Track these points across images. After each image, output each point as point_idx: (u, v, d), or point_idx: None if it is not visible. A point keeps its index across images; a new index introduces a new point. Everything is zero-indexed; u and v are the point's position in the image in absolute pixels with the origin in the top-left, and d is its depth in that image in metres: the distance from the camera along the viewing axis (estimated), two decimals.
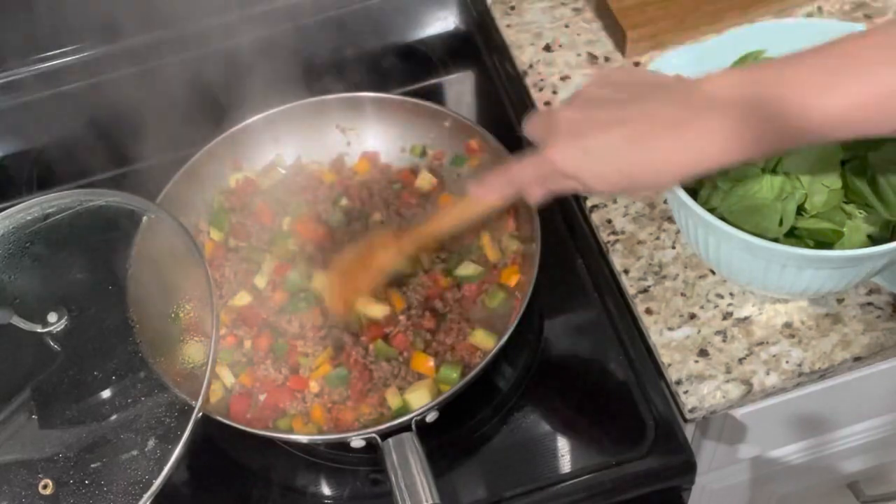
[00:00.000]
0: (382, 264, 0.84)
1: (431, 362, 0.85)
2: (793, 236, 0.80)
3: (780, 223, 0.79)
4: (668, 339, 0.88)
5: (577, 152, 0.68)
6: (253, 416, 0.85)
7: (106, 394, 0.79)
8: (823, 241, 0.80)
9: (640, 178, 0.67)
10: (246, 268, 0.93)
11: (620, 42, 1.08)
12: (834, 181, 0.81)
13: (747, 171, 0.81)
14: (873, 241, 0.79)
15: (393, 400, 0.84)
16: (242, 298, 0.91)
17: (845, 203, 0.81)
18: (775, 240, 0.77)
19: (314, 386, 0.85)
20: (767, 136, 0.63)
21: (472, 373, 0.81)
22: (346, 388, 0.85)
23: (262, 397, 0.86)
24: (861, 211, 0.80)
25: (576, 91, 0.72)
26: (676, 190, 0.78)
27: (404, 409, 0.83)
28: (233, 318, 0.90)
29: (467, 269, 0.91)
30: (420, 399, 0.82)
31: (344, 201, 0.98)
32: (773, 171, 0.81)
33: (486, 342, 0.86)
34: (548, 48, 1.12)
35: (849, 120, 0.62)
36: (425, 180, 0.99)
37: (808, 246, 0.78)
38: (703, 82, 0.66)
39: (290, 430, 0.84)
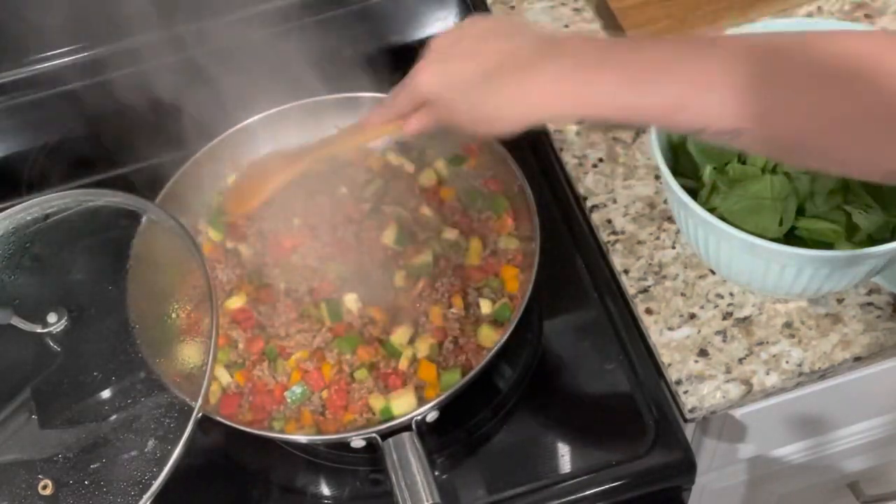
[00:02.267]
0: (278, 179, 0.86)
1: (436, 371, 0.85)
2: (793, 237, 0.80)
3: (781, 223, 0.79)
4: (668, 339, 0.88)
5: (438, 77, 0.69)
6: (244, 416, 0.85)
7: (106, 394, 0.79)
8: (823, 241, 0.80)
9: (484, 114, 0.68)
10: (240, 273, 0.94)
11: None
12: (834, 181, 0.81)
13: (747, 170, 0.81)
14: (873, 241, 0.79)
15: (376, 403, 0.84)
16: (236, 301, 0.91)
17: (845, 203, 0.81)
18: (775, 240, 0.77)
19: (288, 396, 0.86)
20: (591, 101, 0.64)
21: (472, 373, 0.81)
22: (321, 402, 0.85)
23: (251, 398, 0.86)
24: (861, 211, 0.80)
25: (462, 20, 0.72)
26: (676, 190, 0.78)
27: (388, 412, 0.82)
28: (227, 320, 0.90)
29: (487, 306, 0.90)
30: (405, 404, 0.82)
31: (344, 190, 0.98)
32: (774, 171, 0.81)
33: (490, 337, 0.86)
34: None
35: (650, 118, 0.67)
36: (426, 177, 0.99)
37: (808, 246, 0.78)
38: (564, 39, 0.68)
39: (287, 432, 0.84)
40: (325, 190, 0.97)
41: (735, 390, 0.85)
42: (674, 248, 0.93)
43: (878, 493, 1.27)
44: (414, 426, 0.80)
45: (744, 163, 0.84)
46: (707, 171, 0.85)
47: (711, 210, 0.79)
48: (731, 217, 0.79)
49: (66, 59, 1.20)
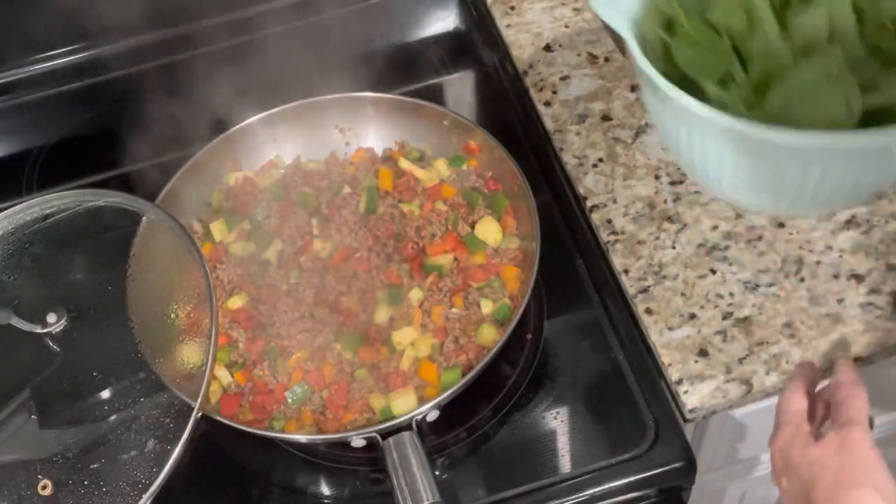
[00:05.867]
0: None
1: (436, 370, 0.85)
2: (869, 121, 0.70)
3: (848, 105, 0.69)
4: (668, 339, 0.88)
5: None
6: (244, 416, 0.85)
7: (105, 394, 0.79)
8: None
9: None
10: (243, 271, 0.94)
11: (620, 42, 1.08)
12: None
13: (769, 64, 0.73)
14: None
15: (376, 403, 0.84)
16: (236, 301, 0.91)
17: None
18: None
19: (289, 395, 0.86)
20: None
21: (472, 372, 0.81)
22: (321, 402, 0.85)
23: (252, 398, 0.86)
24: None
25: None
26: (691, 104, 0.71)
27: (389, 411, 0.83)
28: (227, 320, 0.90)
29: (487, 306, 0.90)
30: (406, 404, 0.82)
31: (346, 189, 0.98)
32: (805, 53, 0.72)
33: (490, 337, 0.86)
34: (548, 48, 1.12)
35: None
36: (427, 176, 0.99)
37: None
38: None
39: (287, 431, 0.84)
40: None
41: (735, 390, 0.85)
42: (674, 247, 0.93)
43: None
44: (414, 426, 0.80)
45: (743, 64, 0.76)
46: (710, 88, 0.76)
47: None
48: (780, 119, 0.69)
49: (66, 59, 1.21)
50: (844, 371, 0.73)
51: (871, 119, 0.71)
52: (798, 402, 0.73)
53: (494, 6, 1.17)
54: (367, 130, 1.03)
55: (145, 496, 0.73)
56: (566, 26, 1.13)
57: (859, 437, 0.68)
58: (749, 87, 0.75)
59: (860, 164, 0.73)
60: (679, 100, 0.74)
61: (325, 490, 0.87)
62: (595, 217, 0.97)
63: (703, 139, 0.78)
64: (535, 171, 1.01)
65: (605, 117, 1.05)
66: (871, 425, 0.72)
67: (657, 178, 0.98)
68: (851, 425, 0.68)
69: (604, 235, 0.95)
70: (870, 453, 0.68)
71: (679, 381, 0.85)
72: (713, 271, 0.91)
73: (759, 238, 0.92)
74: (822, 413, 0.74)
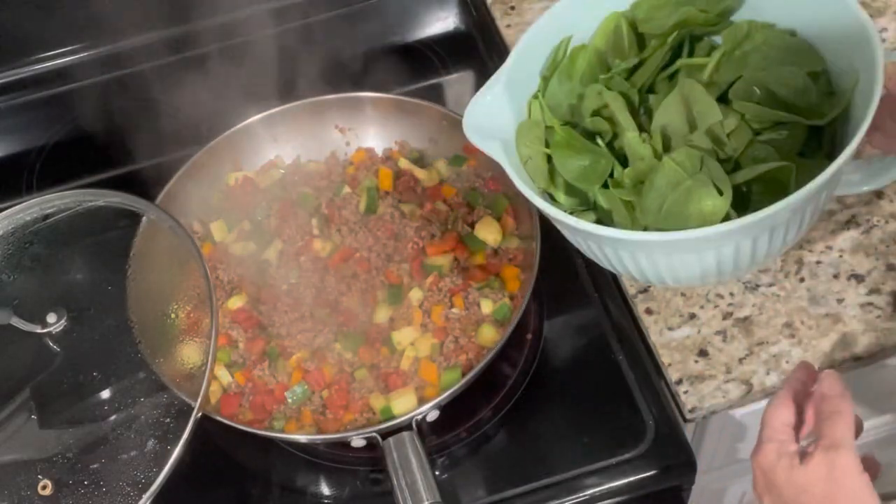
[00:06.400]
0: None
1: (436, 370, 0.85)
2: (741, 202, 0.74)
3: (721, 192, 0.72)
4: (668, 339, 0.88)
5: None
6: (244, 416, 0.85)
7: (105, 394, 0.79)
8: (777, 182, 0.73)
9: None
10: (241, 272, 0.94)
11: None
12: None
13: (638, 168, 0.76)
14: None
15: (376, 403, 0.84)
16: (237, 301, 0.91)
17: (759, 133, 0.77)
18: (727, 216, 0.71)
19: (289, 396, 0.86)
20: None
21: (472, 372, 0.81)
22: (321, 402, 0.85)
23: (251, 398, 0.86)
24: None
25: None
26: (596, 230, 0.73)
27: (389, 411, 0.83)
28: (227, 320, 0.90)
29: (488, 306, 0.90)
30: (406, 404, 0.82)
31: (346, 189, 0.98)
32: (666, 149, 0.76)
33: (490, 337, 0.86)
34: None
35: None
36: (427, 175, 0.99)
37: (762, 199, 0.71)
38: None
39: (287, 431, 0.84)
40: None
41: (735, 390, 0.85)
42: None
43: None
44: (414, 426, 0.80)
45: (624, 162, 0.79)
46: (596, 192, 0.78)
47: (644, 229, 0.74)
48: (665, 222, 0.72)
49: (66, 59, 1.21)
50: (831, 384, 0.69)
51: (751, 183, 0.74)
52: (783, 416, 0.69)
53: (494, 6, 1.17)
54: (367, 130, 1.03)
55: (145, 496, 0.73)
56: None
57: (846, 463, 0.65)
58: (630, 186, 0.76)
59: (763, 234, 0.73)
60: (559, 218, 0.75)
61: (325, 490, 0.87)
62: None
63: (601, 246, 0.78)
64: None
65: None
66: (860, 430, 0.71)
67: None
68: (839, 449, 0.65)
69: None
70: (857, 482, 0.66)
71: (679, 381, 0.85)
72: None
73: None
74: (810, 424, 0.71)
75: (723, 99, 0.79)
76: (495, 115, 0.82)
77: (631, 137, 0.78)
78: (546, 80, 0.85)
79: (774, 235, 0.73)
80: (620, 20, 0.84)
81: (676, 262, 0.75)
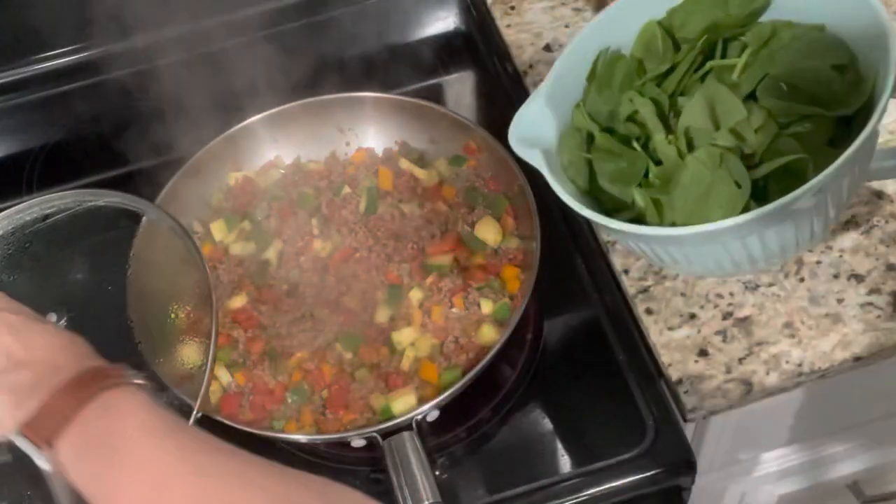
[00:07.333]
0: None
1: (436, 370, 0.85)
2: (763, 196, 0.77)
3: (739, 185, 0.76)
4: (668, 338, 0.88)
5: None
6: (244, 416, 0.85)
7: None
8: (796, 174, 0.75)
9: None
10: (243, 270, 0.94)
11: None
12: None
13: (666, 169, 0.80)
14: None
15: (376, 403, 0.84)
16: (237, 301, 0.91)
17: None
18: (746, 207, 0.75)
19: (289, 396, 0.86)
20: None
21: (472, 373, 0.81)
22: (321, 402, 0.85)
23: (251, 398, 0.86)
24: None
25: None
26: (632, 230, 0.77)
27: (389, 411, 0.83)
28: (228, 320, 0.90)
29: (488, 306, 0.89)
30: (406, 404, 0.82)
31: (346, 189, 0.98)
32: (690, 148, 0.80)
33: (490, 337, 0.86)
34: (548, 48, 1.12)
35: None
36: (427, 175, 0.99)
37: (783, 192, 0.73)
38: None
39: (287, 431, 0.84)
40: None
41: (735, 390, 0.85)
42: None
43: (878, 494, 1.27)
44: (414, 426, 0.80)
45: (658, 163, 0.82)
46: (633, 192, 0.82)
47: (672, 225, 0.78)
48: (690, 217, 0.76)
49: (66, 59, 1.21)
50: None
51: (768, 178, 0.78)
52: None
53: (494, 6, 1.17)
54: (367, 130, 1.04)
55: None
56: (566, 26, 1.13)
57: None
58: (659, 185, 0.80)
59: (784, 225, 0.77)
60: (593, 219, 0.79)
61: None
62: None
63: (636, 243, 0.83)
64: (534, 171, 1.00)
65: None
66: None
67: None
68: None
69: (604, 235, 0.95)
70: None
71: (679, 381, 0.85)
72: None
73: None
74: None
75: (753, 96, 0.81)
76: (537, 124, 0.86)
77: (658, 140, 0.82)
78: (587, 89, 0.89)
79: (800, 226, 0.77)
80: (656, 28, 0.88)
81: (706, 254, 0.80)
